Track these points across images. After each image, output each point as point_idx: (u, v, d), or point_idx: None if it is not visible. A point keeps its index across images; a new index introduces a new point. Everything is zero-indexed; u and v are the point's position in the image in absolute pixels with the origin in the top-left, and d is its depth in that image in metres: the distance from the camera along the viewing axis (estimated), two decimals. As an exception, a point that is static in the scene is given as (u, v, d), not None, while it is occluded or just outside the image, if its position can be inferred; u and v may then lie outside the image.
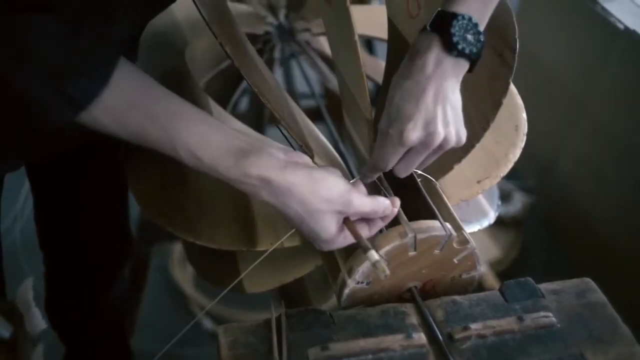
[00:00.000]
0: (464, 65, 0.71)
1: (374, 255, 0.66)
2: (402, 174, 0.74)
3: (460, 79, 0.72)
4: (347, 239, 0.70)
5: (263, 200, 0.68)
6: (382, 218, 0.72)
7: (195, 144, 0.65)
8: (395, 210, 0.72)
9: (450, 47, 0.69)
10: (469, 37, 0.69)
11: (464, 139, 0.72)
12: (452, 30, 0.69)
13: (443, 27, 0.69)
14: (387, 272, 0.68)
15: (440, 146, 0.70)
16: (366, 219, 0.71)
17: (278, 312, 0.70)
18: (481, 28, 0.70)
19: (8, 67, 0.56)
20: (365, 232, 0.71)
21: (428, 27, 0.70)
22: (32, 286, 0.68)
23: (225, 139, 0.67)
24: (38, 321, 0.62)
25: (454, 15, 0.69)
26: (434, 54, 0.69)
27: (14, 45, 0.56)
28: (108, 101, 0.61)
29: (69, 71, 0.58)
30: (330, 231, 0.69)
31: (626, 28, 1.63)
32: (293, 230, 0.76)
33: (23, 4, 0.55)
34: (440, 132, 0.69)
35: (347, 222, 0.70)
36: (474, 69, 0.72)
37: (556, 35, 1.93)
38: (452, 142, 0.71)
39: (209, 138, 0.66)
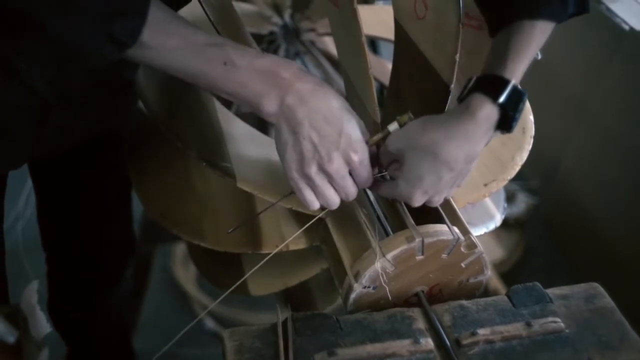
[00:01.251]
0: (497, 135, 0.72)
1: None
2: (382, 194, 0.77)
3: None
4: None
5: (287, 104, 0.67)
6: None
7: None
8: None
9: (507, 127, 0.69)
10: (518, 115, 0.69)
11: (435, 203, 0.74)
12: (518, 115, 0.69)
13: (511, 107, 0.68)
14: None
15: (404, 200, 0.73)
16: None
17: (284, 316, 0.69)
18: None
19: (54, 19, 0.58)
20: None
21: (500, 101, 0.68)
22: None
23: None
24: (43, 325, 0.62)
25: (520, 95, 0.69)
26: (485, 129, 0.69)
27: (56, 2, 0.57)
28: (146, 39, 0.62)
29: (110, 14, 0.59)
30: (357, 132, 0.69)
31: (631, 29, 1.62)
32: (299, 232, 0.76)
33: None
34: (441, 200, 0.73)
35: None
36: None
37: (561, 36, 1.92)
38: (434, 204, 0.74)
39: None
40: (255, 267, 0.75)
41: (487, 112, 0.68)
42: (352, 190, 0.70)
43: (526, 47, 0.70)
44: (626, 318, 0.73)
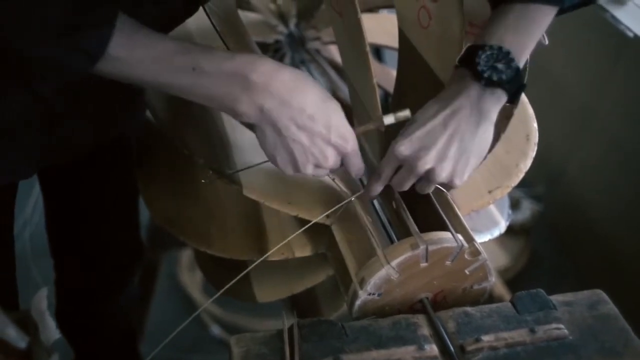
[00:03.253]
0: (501, 96, 0.70)
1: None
2: (397, 188, 0.75)
3: (493, 114, 0.71)
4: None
5: (266, 107, 0.65)
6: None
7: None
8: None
9: (478, 77, 0.69)
10: (500, 65, 0.69)
11: (457, 182, 0.72)
12: (477, 60, 0.69)
13: (469, 59, 0.70)
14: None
15: (427, 175, 0.71)
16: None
17: (290, 323, 0.70)
18: (515, 57, 0.70)
19: (19, 37, 0.58)
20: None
21: (457, 62, 0.71)
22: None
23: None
24: (52, 331, 0.63)
25: (481, 47, 0.70)
26: (465, 85, 0.70)
27: (18, 15, 0.56)
28: (113, 51, 0.61)
29: (74, 26, 0.58)
30: (344, 120, 0.69)
31: (636, 36, 1.63)
32: (300, 230, 0.76)
33: None
34: (428, 161, 0.69)
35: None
36: (516, 100, 0.72)
37: (565, 43, 1.92)
38: (441, 177, 0.71)
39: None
40: (246, 271, 0.75)
41: (454, 75, 0.72)
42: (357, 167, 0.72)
43: (499, 19, 0.72)
44: (633, 323, 0.73)
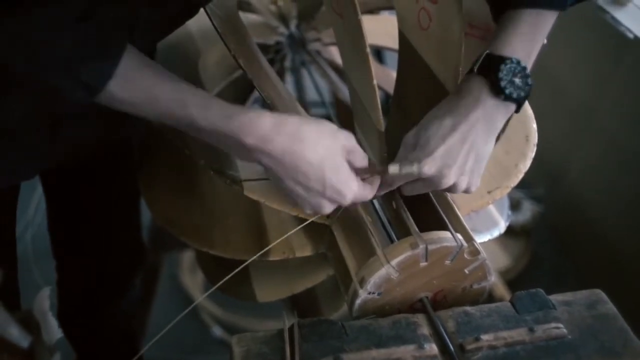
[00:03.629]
0: (512, 109, 0.72)
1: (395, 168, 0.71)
2: (407, 193, 0.76)
3: (502, 123, 0.73)
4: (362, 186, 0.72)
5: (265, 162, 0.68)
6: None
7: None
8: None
9: (497, 92, 0.70)
10: (517, 80, 0.70)
11: (473, 189, 0.74)
12: (500, 75, 0.69)
13: (490, 70, 0.70)
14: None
15: (448, 188, 0.73)
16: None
17: (290, 322, 0.70)
18: (528, 70, 0.71)
19: (21, 63, 0.59)
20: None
21: (475, 70, 0.71)
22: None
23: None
24: (54, 330, 0.63)
25: (502, 59, 0.70)
26: (480, 100, 0.70)
27: (24, 43, 0.57)
28: (121, 78, 0.62)
29: (80, 58, 0.59)
30: (345, 169, 0.69)
31: (636, 37, 1.63)
32: (300, 227, 0.76)
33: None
34: (452, 178, 0.71)
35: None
36: (520, 110, 0.73)
37: (566, 44, 1.93)
38: (460, 189, 0.73)
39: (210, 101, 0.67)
40: (244, 264, 0.76)
41: (470, 83, 0.72)
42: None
43: (513, 28, 0.72)
44: (633, 323, 0.74)
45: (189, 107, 0.65)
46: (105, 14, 0.60)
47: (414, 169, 0.70)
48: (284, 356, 0.66)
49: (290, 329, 0.69)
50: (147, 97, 0.64)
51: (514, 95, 0.70)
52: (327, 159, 0.68)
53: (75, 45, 0.59)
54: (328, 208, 0.71)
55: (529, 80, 0.71)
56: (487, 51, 0.71)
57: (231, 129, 0.65)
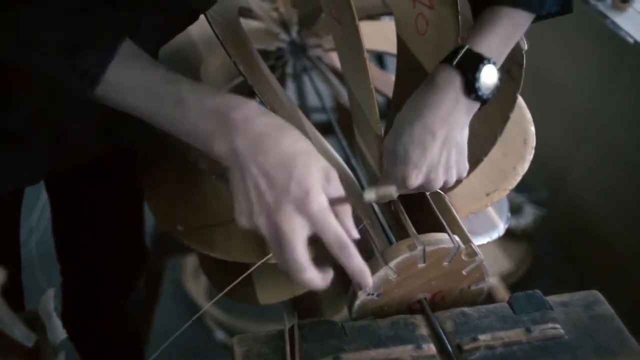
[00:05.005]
0: (476, 107, 0.73)
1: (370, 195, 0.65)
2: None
3: (470, 118, 0.74)
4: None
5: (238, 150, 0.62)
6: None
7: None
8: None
9: (470, 90, 0.71)
10: (489, 82, 0.71)
11: (464, 173, 0.76)
12: (477, 74, 0.70)
13: (469, 68, 0.70)
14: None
15: (440, 188, 0.75)
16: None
17: (291, 323, 0.71)
18: (498, 67, 0.72)
19: (21, 52, 0.59)
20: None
21: (454, 63, 0.71)
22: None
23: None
24: (59, 331, 0.65)
25: (481, 59, 0.71)
26: (452, 95, 0.71)
27: (23, 32, 0.58)
28: (117, 65, 0.62)
29: (78, 46, 0.59)
30: (317, 174, 0.62)
31: (636, 42, 1.64)
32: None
33: None
34: (441, 179, 0.73)
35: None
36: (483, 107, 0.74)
37: (566, 49, 1.94)
38: (451, 183, 0.75)
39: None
40: (248, 272, 0.76)
41: (445, 75, 0.71)
42: (298, 254, 0.60)
43: (493, 26, 0.73)
44: (634, 327, 0.74)
45: (179, 84, 0.64)
46: (105, 14, 0.60)
47: (391, 191, 0.65)
48: (284, 356, 0.67)
49: (291, 330, 0.70)
50: (139, 78, 0.64)
51: (484, 97, 0.71)
52: (303, 155, 0.62)
53: (74, 35, 0.59)
54: (285, 211, 0.60)
55: (499, 82, 0.72)
56: (467, 46, 0.72)
57: (219, 104, 0.63)
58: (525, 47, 0.79)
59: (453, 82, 0.71)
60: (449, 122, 0.72)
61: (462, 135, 0.74)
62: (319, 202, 0.61)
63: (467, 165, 0.75)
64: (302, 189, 0.60)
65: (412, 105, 0.74)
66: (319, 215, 0.61)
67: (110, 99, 0.65)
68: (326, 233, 0.61)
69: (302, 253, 0.61)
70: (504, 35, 0.73)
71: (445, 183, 0.74)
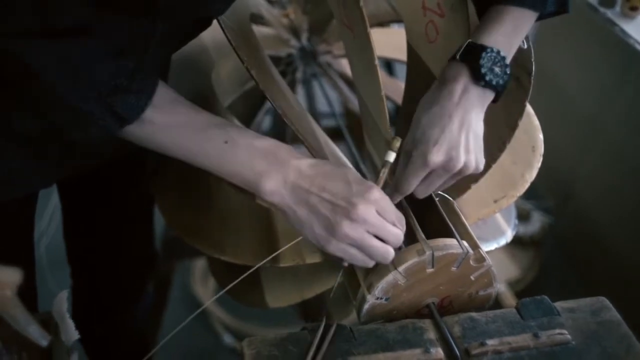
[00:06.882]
0: (490, 96, 0.75)
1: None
2: (422, 195, 0.77)
3: (485, 108, 0.75)
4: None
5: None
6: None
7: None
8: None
9: (477, 78, 0.73)
10: (497, 69, 0.73)
11: (482, 166, 0.76)
12: (481, 62, 0.72)
13: (472, 58, 0.73)
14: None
15: (460, 171, 0.74)
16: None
17: (316, 324, 0.72)
18: (508, 61, 0.74)
19: (62, 87, 0.62)
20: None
21: (458, 57, 0.74)
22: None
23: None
24: (72, 332, 0.65)
25: (483, 48, 0.73)
26: (462, 83, 0.73)
27: (67, 69, 0.61)
28: (151, 116, 0.66)
29: (116, 90, 0.63)
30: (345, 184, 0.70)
31: (644, 50, 1.64)
32: (297, 235, 0.78)
33: (64, 28, 0.59)
34: (462, 158, 0.73)
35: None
36: (499, 99, 0.76)
37: (574, 56, 1.94)
38: (471, 168, 0.74)
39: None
40: (253, 268, 0.77)
41: (453, 69, 0.74)
42: (391, 231, 0.71)
43: (497, 24, 0.75)
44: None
45: (227, 127, 0.70)
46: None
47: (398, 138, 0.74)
48: (306, 357, 0.68)
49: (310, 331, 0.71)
50: (186, 119, 0.69)
51: (493, 82, 0.73)
52: (343, 166, 0.73)
53: (112, 77, 0.63)
54: (360, 205, 0.69)
55: (508, 70, 0.74)
56: (469, 40, 0.74)
57: (268, 145, 0.70)
58: (525, 46, 0.80)
59: (461, 73, 0.73)
60: (464, 107, 0.73)
61: (478, 124, 0.75)
62: (376, 190, 0.71)
63: (483, 159, 0.76)
64: (360, 186, 0.70)
65: (426, 101, 0.76)
66: (382, 200, 0.71)
67: (145, 140, 0.69)
68: (389, 214, 0.71)
69: (389, 226, 0.71)
70: (508, 33, 0.75)
71: (465, 166, 0.73)
